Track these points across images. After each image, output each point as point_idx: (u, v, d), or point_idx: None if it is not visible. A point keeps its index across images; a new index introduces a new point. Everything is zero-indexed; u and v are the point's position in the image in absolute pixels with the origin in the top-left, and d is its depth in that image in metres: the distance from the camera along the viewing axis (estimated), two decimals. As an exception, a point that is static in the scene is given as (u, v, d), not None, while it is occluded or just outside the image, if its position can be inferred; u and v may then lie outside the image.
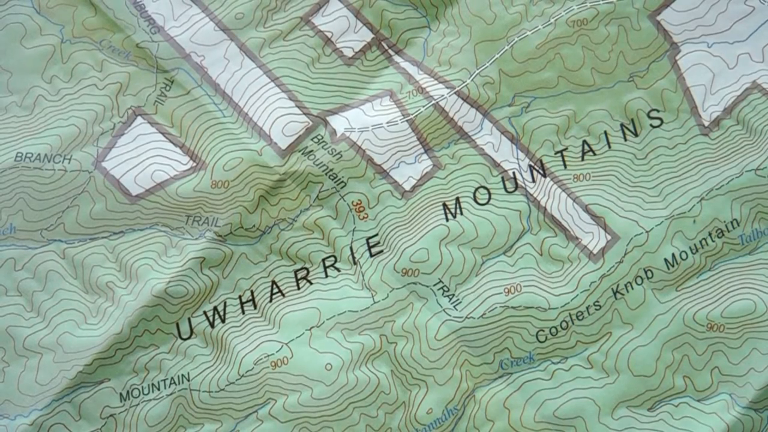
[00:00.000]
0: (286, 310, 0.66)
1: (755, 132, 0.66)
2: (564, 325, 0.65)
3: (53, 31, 0.70)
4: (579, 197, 0.67)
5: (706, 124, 0.67)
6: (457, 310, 0.65)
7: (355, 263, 0.67)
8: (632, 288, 0.65)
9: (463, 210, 0.67)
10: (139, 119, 0.69)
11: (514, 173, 0.68)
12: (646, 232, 0.66)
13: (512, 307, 0.65)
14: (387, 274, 0.66)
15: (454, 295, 0.66)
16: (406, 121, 0.68)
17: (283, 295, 0.66)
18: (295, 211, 0.68)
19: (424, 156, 0.68)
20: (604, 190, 0.67)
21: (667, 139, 0.67)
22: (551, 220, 0.67)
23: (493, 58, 0.69)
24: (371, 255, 0.67)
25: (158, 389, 0.65)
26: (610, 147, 0.67)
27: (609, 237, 0.66)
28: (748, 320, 0.64)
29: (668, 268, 0.65)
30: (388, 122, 0.68)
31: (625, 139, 0.67)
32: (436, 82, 0.69)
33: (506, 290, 0.66)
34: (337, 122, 0.69)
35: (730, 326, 0.64)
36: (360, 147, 0.68)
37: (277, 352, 0.65)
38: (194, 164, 0.68)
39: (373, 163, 0.68)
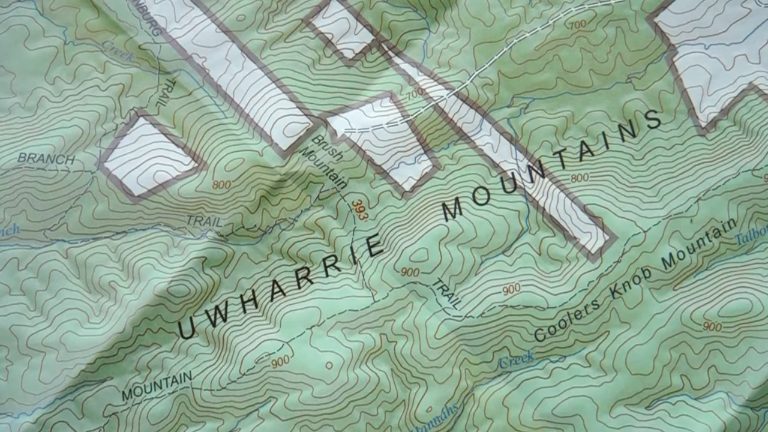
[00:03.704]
0: (287, 309, 0.66)
1: (752, 133, 0.67)
2: (562, 324, 0.65)
3: (56, 33, 0.70)
4: (577, 197, 0.67)
5: (703, 125, 0.67)
6: (456, 309, 0.66)
7: (355, 263, 0.67)
8: (630, 287, 0.65)
9: (463, 210, 0.67)
10: (142, 120, 0.69)
11: (512, 174, 0.68)
12: (644, 232, 0.66)
13: (511, 307, 0.65)
14: (387, 273, 0.67)
15: (453, 294, 0.66)
16: (406, 122, 0.69)
17: (284, 294, 0.67)
18: (296, 211, 0.68)
19: (424, 157, 0.68)
20: (602, 190, 0.67)
21: (664, 140, 0.67)
22: (550, 220, 0.67)
23: (492, 60, 0.69)
24: (371, 255, 0.67)
25: (160, 387, 0.65)
26: (608, 148, 0.68)
27: (607, 237, 0.66)
28: (744, 319, 0.64)
29: (665, 268, 0.65)
30: (388, 123, 0.69)
31: (623, 140, 0.68)
32: (435, 83, 0.69)
33: (505, 289, 0.66)
34: (338, 123, 0.69)
35: (727, 325, 0.64)
36: (360, 148, 0.68)
37: (278, 350, 0.65)
38: (196, 165, 0.68)
39: (374, 163, 0.68)
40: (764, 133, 0.67)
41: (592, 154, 0.68)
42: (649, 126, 0.68)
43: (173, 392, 0.65)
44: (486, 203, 0.68)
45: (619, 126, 0.68)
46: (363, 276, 0.67)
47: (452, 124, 0.69)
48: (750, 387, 0.63)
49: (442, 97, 0.69)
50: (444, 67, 0.70)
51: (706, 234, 0.66)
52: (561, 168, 0.68)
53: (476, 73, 0.69)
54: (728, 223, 0.66)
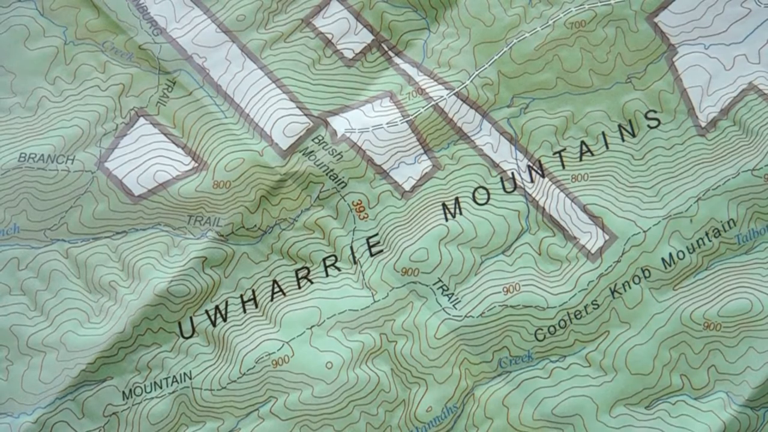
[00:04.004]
0: (287, 309, 0.66)
1: (751, 133, 0.67)
2: (562, 323, 0.65)
3: (56, 33, 0.70)
4: (577, 197, 0.67)
5: (703, 124, 0.68)
6: (456, 309, 0.66)
7: (355, 263, 0.67)
8: (630, 287, 0.65)
9: (463, 210, 0.67)
10: (142, 120, 0.69)
11: (512, 173, 0.68)
12: (644, 231, 0.66)
13: (511, 306, 0.66)
14: (387, 273, 0.67)
15: (453, 294, 0.66)
16: (406, 122, 0.69)
17: (284, 294, 0.67)
18: (296, 211, 0.68)
19: (424, 156, 0.69)
20: (602, 190, 0.67)
21: (664, 140, 0.68)
22: (549, 220, 0.67)
23: (492, 60, 0.69)
24: (371, 254, 0.67)
25: (160, 387, 0.65)
26: (607, 148, 0.68)
27: (607, 237, 0.66)
28: (744, 319, 0.64)
29: (665, 268, 0.66)
30: (388, 123, 0.69)
31: (623, 140, 0.68)
32: (435, 83, 0.69)
33: (505, 289, 0.66)
34: (338, 123, 0.69)
35: (727, 325, 0.64)
36: (360, 147, 0.68)
37: (278, 350, 0.65)
38: (196, 165, 0.69)
39: (374, 163, 0.68)
40: (764, 133, 0.67)
41: (592, 154, 0.68)
42: (648, 126, 0.68)
43: (173, 392, 0.65)
44: (486, 203, 0.68)
45: (619, 126, 0.68)
46: (363, 276, 0.67)
47: (452, 124, 0.69)
48: (750, 387, 0.63)
49: (442, 97, 0.69)
50: (444, 67, 0.70)
51: (706, 234, 0.66)
52: (561, 168, 0.68)
53: (476, 73, 0.69)
54: (728, 223, 0.66)
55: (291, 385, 0.65)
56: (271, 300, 0.67)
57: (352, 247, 0.67)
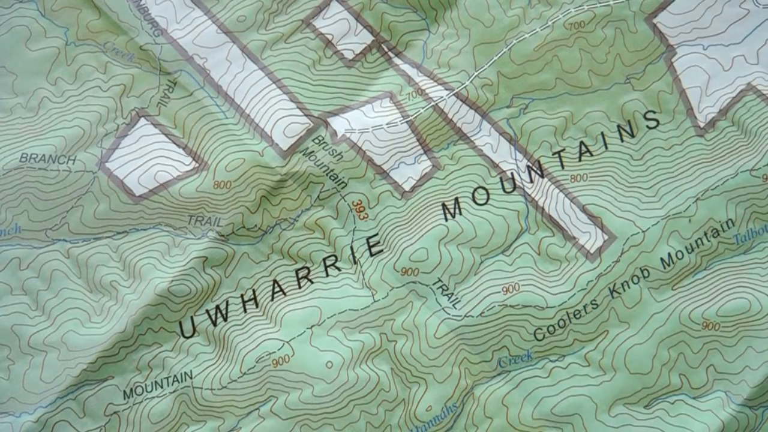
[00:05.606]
0: (287, 309, 0.66)
1: (750, 133, 0.67)
2: (561, 323, 0.65)
3: (58, 34, 0.71)
4: (576, 197, 0.67)
5: (702, 125, 0.68)
6: (456, 308, 0.66)
7: (355, 263, 0.67)
8: (629, 287, 0.66)
9: (462, 210, 0.68)
10: (143, 120, 0.69)
11: (512, 174, 0.68)
12: (643, 231, 0.66)
13: (510, 306, 0.66)
14: (387, 273, 0.67)
15: (453, 293, 0.66)
16: (406, 122, 0.69)
17: (284, 294, 0.67)
18: (296, 211, 0.68)
19: (424, 157, 0.69)
20: (601, 190, 0.67)
21: (663, 140, 0.68)
22: (549, 220, 0.67)
23: (492, 61, 0.69)
24: (371, 254, 0.67)
25: (161, 387, 0.65)
26: (606, 148, 0.68)
27: (606, 237, 0.67)
28: (743, 319, 0.64)
29: (664, 268, 0.66)
30: (388, 123, 0.69)
31: (622, 140, 0.68)
32: (435, 83, 0.70)
33: (504, 289, 0.66)
34: (338, 123, 0.69)
35: (726, 325, 0.64)
36: (360, 148, 0.69)
37: (278, 350, 0.66)
38: (197, 165, 0.69)
39: (374, 163, 0.69)
40: (762, 133, 0.67)
41: (591, 155, 0.68)
42: (647, 126, 0.68)
43: (174, 391, 0.65)
44: (485, 203, 0.68)
45: (618, 126, 0.68)
46: (363, 276, 0.67)
47: (452, 125, 0.69)
48: (748, 386, 0.63)
49: (441, 97, 0.69)
50: (444, 67, 0.70)
51: (705, 234, 0.66)
52: (560, 168, 0.68)
53: (476, 73, 0.69)
54: (726, 223, 0.66)
55: (291, 385, 0.65)
56: (272, 300, 0.67)
57: (352, 247, 0.67)
